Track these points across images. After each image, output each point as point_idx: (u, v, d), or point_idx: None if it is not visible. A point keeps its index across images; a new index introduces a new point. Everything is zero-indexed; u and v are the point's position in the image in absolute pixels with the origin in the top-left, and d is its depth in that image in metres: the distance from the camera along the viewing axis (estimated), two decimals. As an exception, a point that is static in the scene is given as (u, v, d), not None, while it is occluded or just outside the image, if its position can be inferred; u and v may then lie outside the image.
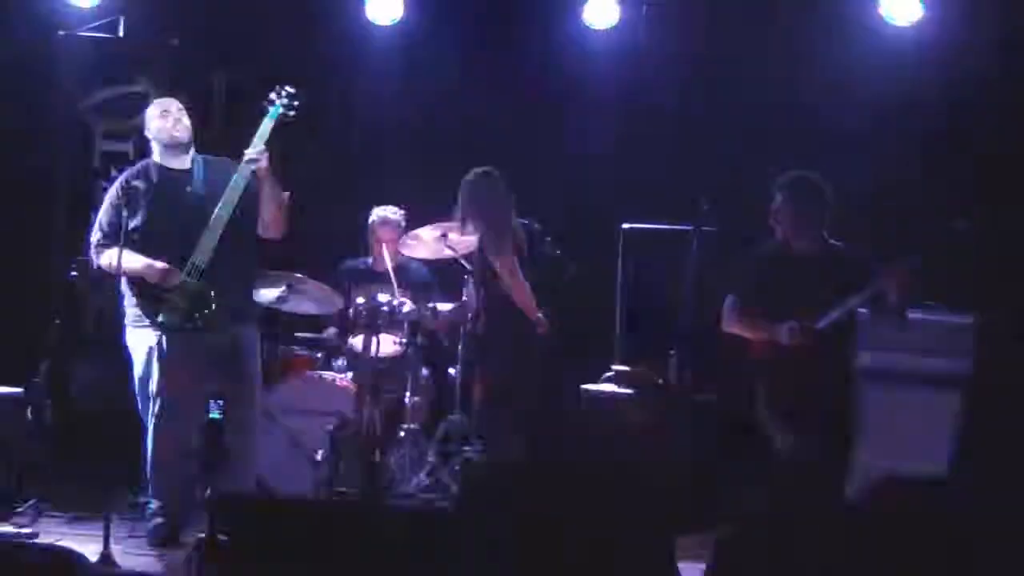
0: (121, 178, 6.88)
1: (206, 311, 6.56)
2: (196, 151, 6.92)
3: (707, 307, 7.83)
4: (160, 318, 6.59)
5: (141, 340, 6.70)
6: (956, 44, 8.01)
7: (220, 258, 6.61)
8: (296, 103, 6.84)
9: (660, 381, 7.72)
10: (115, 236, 6.58)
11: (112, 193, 6.81)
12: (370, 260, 8.53)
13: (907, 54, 8.02)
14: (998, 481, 7.21)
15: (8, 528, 6.80)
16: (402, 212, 8.38)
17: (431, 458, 7.81)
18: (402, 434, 7.83)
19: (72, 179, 8.53)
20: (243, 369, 6.75)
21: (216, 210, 6.60)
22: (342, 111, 9.21)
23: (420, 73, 8.96)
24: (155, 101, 6.98)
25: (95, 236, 6.77)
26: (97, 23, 8.51)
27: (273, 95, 6.84)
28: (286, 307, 7.83)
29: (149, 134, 6.91)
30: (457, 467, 7.76)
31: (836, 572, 2.64)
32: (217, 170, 6.82)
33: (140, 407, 6.78)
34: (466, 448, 7.89)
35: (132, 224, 6.61)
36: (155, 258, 6.59)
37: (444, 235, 7.90)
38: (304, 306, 7.92)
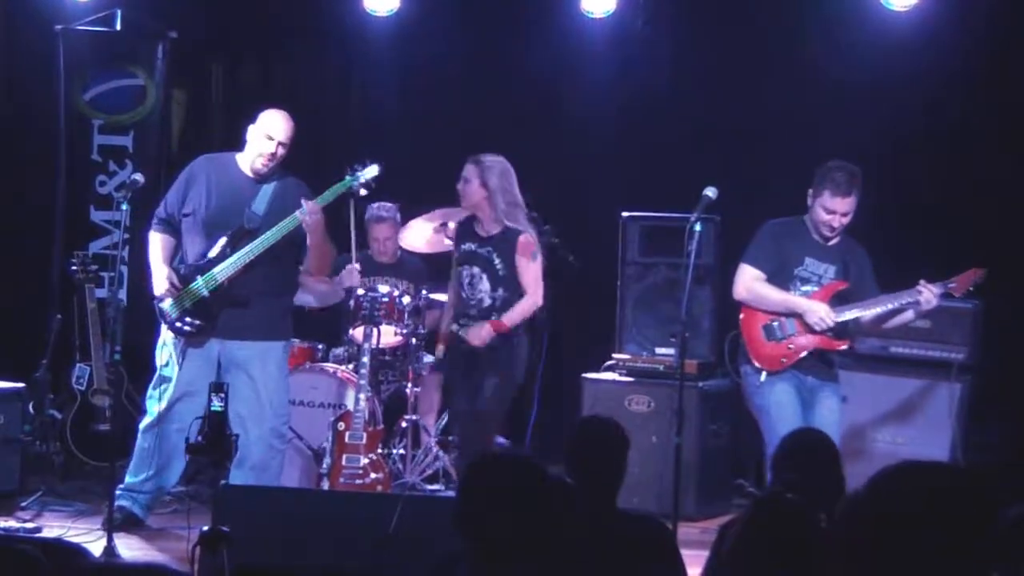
0: (203, 159, 6.99)
1: (200, 322, 6.68)
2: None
3: (708, 294, 7.87)
4: (163, 304, 6.74)
5: (164, 334, 6.88)
6: (953, 28, 7.99)
7: (246, 279, 6.71)
8: (372, 186, 6.97)
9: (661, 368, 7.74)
10: (168, 219, 6.85)
11: (187, 171, 6.93)
12: (369, 250, 8.52)
13: (904, 38, 8.01)
14: (1001, 466, 7.23)
15: (12, 523, 6.81)
16: (395, 207, 8.33)
17: (433, 448, 7.82)
18: (404, 424, 7.83)
19: (71, 173, 8.53)
20: (253, 377, 6.77)
21: (259, 238, 6.67)
22: (340, 102, 9.19)
23: (418, 63, 8.95)
24: (276, 115, 6.84)
25: (158, 209, 6.94)
26: (94, 16, 8.49)
27: (358, 166, 6.90)
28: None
29: (249, 135, 6.85)
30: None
31: (842, 557, 2.63)
32: (282, 196, 6.83)
33: (147, 393, 6.93)
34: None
35: (188, 209, 6.79)
36: (195, 246, 6.74)
37: (444, 224, 7.90)
38: (304, 299, 7.92)
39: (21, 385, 7.67)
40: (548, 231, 7.69)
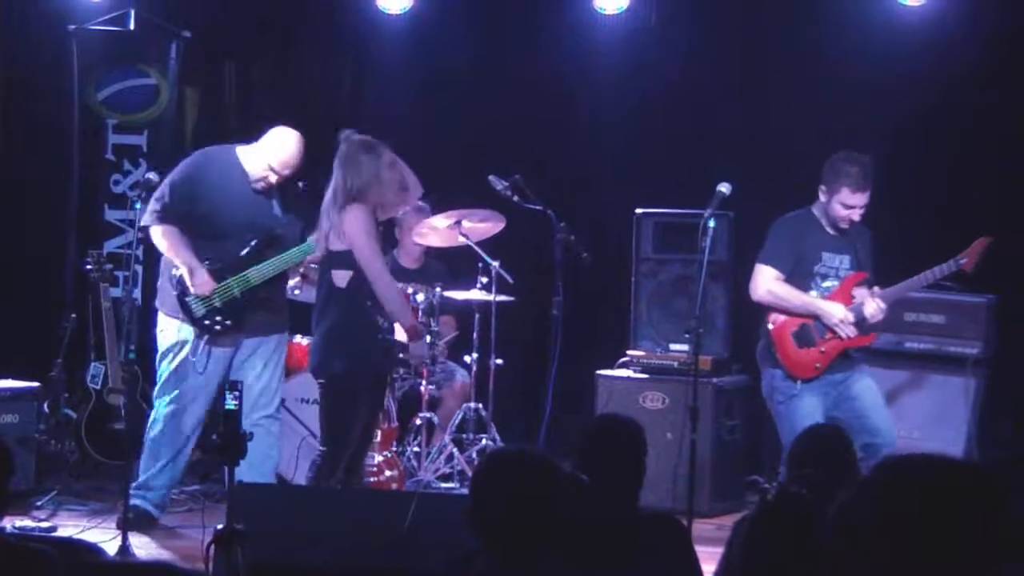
0: (202, 158, 6.93)
1: (228, 321, 6.71)
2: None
3: (722, 290, 7.86)
4: (188, 298, 6.71)
5: (171, 326, 6.85)
6: (966, 24, 7.98)
7: (270, 282, 6.85)
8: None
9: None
10: (176, 215, 6.73)
11: (189, 166, 6.88)
12: (396, 252, 8.41)
13: (917, 34, 8.00)
14: (1017, 460, 7.21)
15: (27, 522, 6.82)
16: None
17: (448, 446, 7.81)
18: (418, 422, 7.82)
19: (85, 172, 8.54)
20: (266, 366, 6.92)
21: (291, 251, 6.79)
22: (353, 100, 9.19)
23: (431, 61, 8.95)
24: (292, 147, 6.80)
25: (156, 203, 6.77)
26: (107, 16, 8.50)
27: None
28: (300, 297, 7.82)
29: (263, 146, 6.82)
30: (474, 455, 7.76)
31: (855, 549, 2.62)
32: (284, 198, 6.92)
33: (155, 389, 6.99)
34: (482, 436, 7.90)
35: (201, 210, 6.75)
36: (208, 247, 6.74)
37: (458, 222, 7.88)
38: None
39: (36, 384, 7.69)
40: (563, 228, 7.67)
